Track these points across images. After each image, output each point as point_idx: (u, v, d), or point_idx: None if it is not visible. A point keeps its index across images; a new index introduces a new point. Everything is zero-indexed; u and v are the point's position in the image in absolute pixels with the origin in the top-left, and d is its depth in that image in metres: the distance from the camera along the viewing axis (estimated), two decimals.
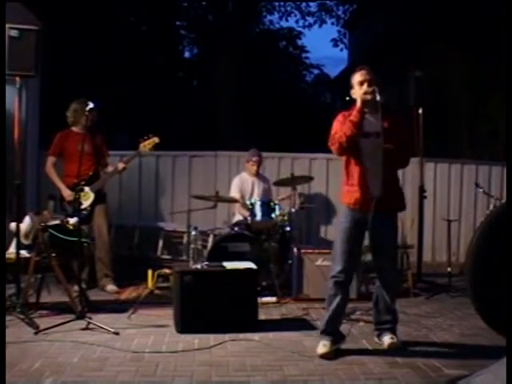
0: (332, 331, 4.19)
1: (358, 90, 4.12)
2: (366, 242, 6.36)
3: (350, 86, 4.21)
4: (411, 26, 13.12)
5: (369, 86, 4.09)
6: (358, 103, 4.08)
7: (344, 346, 4.28)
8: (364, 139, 4.10)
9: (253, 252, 5.82)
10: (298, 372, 3.80)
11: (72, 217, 5.17)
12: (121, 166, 6.11)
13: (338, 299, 4.16)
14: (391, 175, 4.18)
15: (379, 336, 4.36)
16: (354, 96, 4.16)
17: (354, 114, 4.06)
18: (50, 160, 6.17)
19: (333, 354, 4.08)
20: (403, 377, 3.72)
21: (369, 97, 4.05)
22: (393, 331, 4.33)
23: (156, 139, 6.02)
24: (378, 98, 4.04)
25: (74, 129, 6.14)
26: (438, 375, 3.75)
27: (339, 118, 4.18)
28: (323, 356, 4.05)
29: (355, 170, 4.14)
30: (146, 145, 6.02)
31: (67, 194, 5.93)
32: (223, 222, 7.49)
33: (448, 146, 10.90)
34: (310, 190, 7.88)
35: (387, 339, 4.27)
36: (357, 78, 4.17)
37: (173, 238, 7.01)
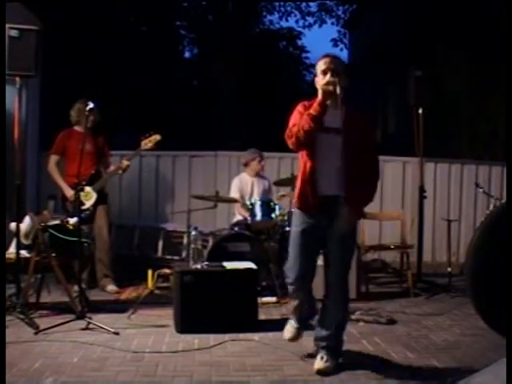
0: (303, 320, 4.01)
1: (321, 79, 3.70)
2: (367, 242, 6.41)
3: (314, 75, 3.87)
4: (411, 26, 13.13)
5: (332, 76, 3.65)
6: (320, 95, 3.63)
7: (344, 346, 4.28)
8: (323, 134, 3.66)
9: (253, 252, 5.82)
10: (297, 372, 3.80)
11: (73, 217, 5.17)
12: (125, 163, 6.07)
13: (301, 297, 3.92)
14: (355, 177, 3.70)
15: (316, 353, 3.93)
16: (316, 85, 3.75)
17: (314, 107, 3.61)
18: (53, 159, 6.17)
19: (298, 339, 4.00)
20: (403, 377, 3.72)
21: (331, 88, 3.58)
22: (328, 350, 3.85)
23: (158, 136, 6.01)
24: (337, 91, 3.60)
25: (77, 128, 6.14)
26: (438, 375, 3.75)
27: (299, 108, 3.76)
28: (291, 339, 4.00)
29: (307, 168, 3.72)
30: (148, 142, 6.01)
31: (69, 193, 5.92)
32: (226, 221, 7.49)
33: (448, 146, 10.90)
34: None
35: (317, 360, 3.81)
36: (320, 66, 3.75)
37: (173, 238, 7.02)
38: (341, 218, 3.67)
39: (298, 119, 3.67)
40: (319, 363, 3.78)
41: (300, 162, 3.82)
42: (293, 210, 4.04)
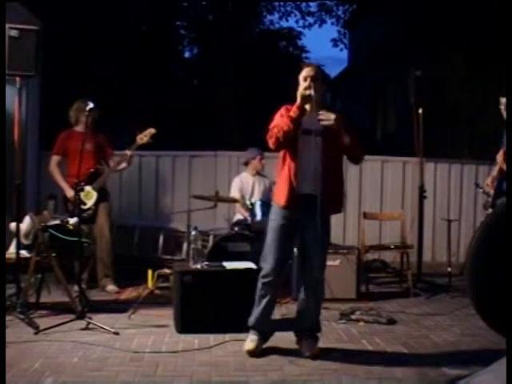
0: (261, 329, 4.19)
1: (301, 85, 4.05)
2: (367, 242, 6.42)
3: (291, 85, 4.17)
4: (411, 26, 13.12)
5: (310, 82, 3.99)
6: (298, 99, 3.99)
7: (344, 346, 4.29)
8: (304, 136, 3.97)
9: (253, 252, 5.81)
10: (297, 372, 3.80)
11: (75, 217, 5.17)
12: (128, 153, 6.02)
13: (266, 299, 4.14)
14: (332, 175, 4.03)
15: (298, 342, 4.25)
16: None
17: (293, 110, 3.95)
18: (54, 159, 6.17)
19: (259, 351, 4.11)
20: (403, 377, 3.72)
21: (307, 92, 3.94)
22: (314, 338, 4.21)
23: (152, 130, 5.98)
24: (312, 92, 3.92)
25: (77, 128, 6.14)
26: (438, 375, 3.75)
27: (282, 110, 4.09)
28: (250, 352, 4.08)
29: (288, 167, 4.02)
30: (143, 137, 5.99)
31: (70, 193, 5.92)
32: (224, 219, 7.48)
33: (448, 145, 10.89)
34: None
35: (307, 344, 4.15)
36: (302, 74, 4.09)
37: (173, 238, 7.01)
38: (317, 215, 3.86)
39: (279, 121, 4.00)
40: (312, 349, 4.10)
41: (280, 161, 4.11)
42: (272, 204, 4.25)
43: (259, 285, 4.17)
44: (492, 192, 5.36)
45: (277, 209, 4.11)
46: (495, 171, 5.27)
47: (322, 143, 3.97)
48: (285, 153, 4.06)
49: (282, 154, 4.09)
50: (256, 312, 4.22)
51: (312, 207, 3.86)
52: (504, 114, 5.20)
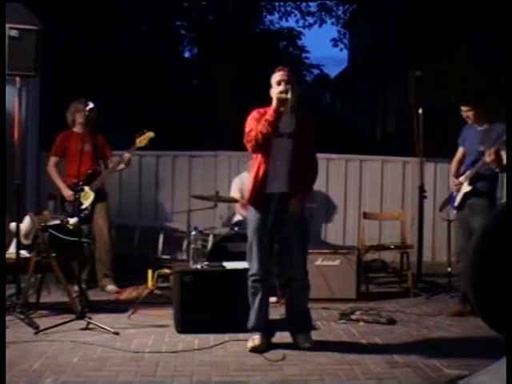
0: (262, 327, 4.26)
1: (275, 89, 4.18)
2: (367, 242, 6.42)
3: (269, 86, 4.27)
4: (411, 26, 13.11)
5: (285, 85, 4.13)
6: (274, 102, 4.13)
7: (344, 346, 4.29)
8: (276, 138, 4.14)
9: None
10: (297, 372, 3.80)
11: (72, 217, 5.17)
12: (127, 155, 6.02)
13: (259, 297, 4.25)
14: (301, 174, 4.19)
15: (293, 337, 4.36)
16: (271, 95, 4.21)
17: (269, 114, 4.10)
18: (52, 160, 6.18)
19: (264, 347, 4.16)
20: (403, 377, 3.72)
21: (283, 96, 4.08)
22: (307, 330, 4.36)
23: (151, 133, 5.98)
24: (288, 96, 4.06)
25: (75, 129, 6.14)
26: (438, 375, 3.75)
27: (254, 114, 4.23)
28: (253, 349, 4.13)
29: (260, 168, 4.19)
30: (142, 140, 5.99)
31: (68, 194, 5.93)
32: (221, 220, 7.48)
33: (448, 146, 10.88)
34: None
35: (302, 337, 4.28)
36: (275, 77, 4.23)
37: (173, 238, 7.02)
38: (289, 211, 4.13)
39: (255, 125, 4.14)
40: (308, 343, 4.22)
41: (253, 163, 4.28)
42: (248, 207, 4.38)
43: (249, 284, 4.29)
44: (455, 193, 5.32)
45: (251, 209, 4.28)
46: (472, 172, 5.17)
47: (292, 144, 4.16)
48: (257, 155, 4.23)
49: (255, 156, 4.28)
50: (252, 313, 4.29)
51: (282, 205, 4.12)
52: (468, 119, 5.23)
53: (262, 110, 4.22)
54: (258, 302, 4.27)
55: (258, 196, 4.20)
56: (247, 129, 4.19)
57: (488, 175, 5.06)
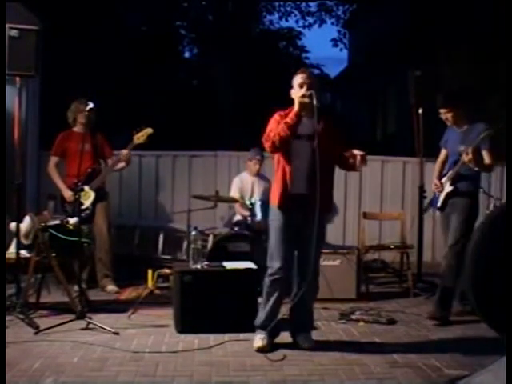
0: (269, 327, 4.23)
1: (297, 92, 4.17)
2: (367, 242, 6.42)
3: (290, 86, 4.26)
4: (411, 26, 13.12)
5: (308, 89, 4.12)
6: (296, 106, 4.14)
7: (344, 346, 4.29)
8: (296, 140, 4.16)
9: (253, 252, 5.82)
10: (297, 372, 3.80)
11: (73, 217, 5.17)
12: (124, 152, 5.97)
13: (275, 296, 4.24)
14: (323, 177, 4.12)
15: (294, 337, 4.37)
16: (292, 96, 4.22)
17: (290, 117, 4.12)
18: (52, 160, 6.17)
19: (269, 348, 4.16)
20: (403, 377, 3.72)
21: (306, 100, 4.09)
22: (308, 331, 4.37)
23: (149, 129, 5.96)
24: (314, 102, 4.08)
25: (75, 129, 6.14)
26: (438, 375, 3.75)
27: (276, 116, 4.25)
28: (260, 349, 4.13)
29: (282, 169, 4.21)
30: (140, 136, 5.97)
31: (68, 194, 5.92)
32: (223, 221, 7.48)
33: None
34: None
35: (303, 337, 4.30)
36: (297, 80, 4.20)
37: (173, 238, 7.02)
38: (311, 215, 4.07)
39: (275, 126, 4.16)
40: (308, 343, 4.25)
41: (275, 164, 4.31)
42: (270, 205, 4.36)
43: (267, 283, 4.24)
44: (437, 194, 5.31)
45: (275, 210, 4.26)
46: (453, 173, 5.14)
47: (311, 146, 4.13)
48: (279, 156, 4.25)
49: (276, 157, 4.29)
50: (264, 311, 4.27)
51: (305, 207, 4.12)
52: (447, 122, 5.23)
53: (283, 113, 4.23)
54: (273, 302, 4.24)
55: (283, 196, 4.18)
56: (268, 129, 4.21)
57: (469, 175, 5.06)
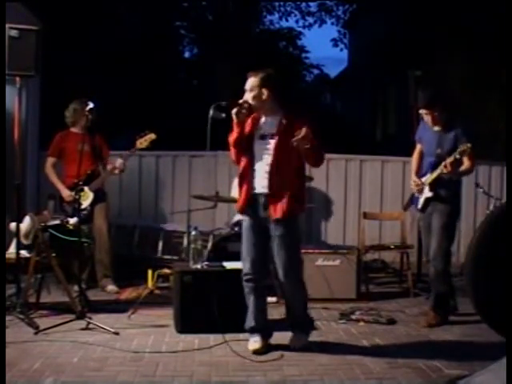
0: (260, 328, 4.25)
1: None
2: (367, 242, 6.42)
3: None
4: (411, 26, 13.12)
5: (244, 96, 4.20)
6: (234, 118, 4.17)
7: (344, 346, 4.29)
8: (259, 141, 4.17)
9: None
10: (297, 372, 3.80)
11: (72, 217, 5.17)
12: (119, 161, 6.01)
13: (252, 297, 4.25)
14: (287, 175, 4.11)
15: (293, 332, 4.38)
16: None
17: (232, 133, 4.20)
18: (50, 161, 6.18)
19: (264, 349, 4.16)
20: (403, 377, 3.72)
21: (234, 111, 4.12)
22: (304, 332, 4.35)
23: (153, 135, 5.99)
24: (251, 102, 4.15)
25: (73, 129, 6.13)
26: (438, 375, 3.75)
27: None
28: (255, 352, 4.12)
29: (244, 170, 4.23)
30: (143, 141, 5.99)
31: (66, 194, 5.93)
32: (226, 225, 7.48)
33: None
34: (309, 190, 7.87)
35: (295, 338, 4.30)
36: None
37: (173, 238, 7.00)
38: (276, 214, 4.07)
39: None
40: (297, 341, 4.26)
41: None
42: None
43: (243, 284, 4.28)
44: (417, 194, 5.28)
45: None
46: (431, 178, 5.10)
47: (274, 145, 4.11)
48: (241, 157, 4.25)
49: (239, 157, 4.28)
50: (249, 313, 4.29)
51: (267, 206, 4.13)
52: (427, 122, 5.20)
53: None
54: (252, 302, 4.26)
55: (245, 196, 4.20)
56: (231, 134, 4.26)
57: (449, 179, 5.02)
